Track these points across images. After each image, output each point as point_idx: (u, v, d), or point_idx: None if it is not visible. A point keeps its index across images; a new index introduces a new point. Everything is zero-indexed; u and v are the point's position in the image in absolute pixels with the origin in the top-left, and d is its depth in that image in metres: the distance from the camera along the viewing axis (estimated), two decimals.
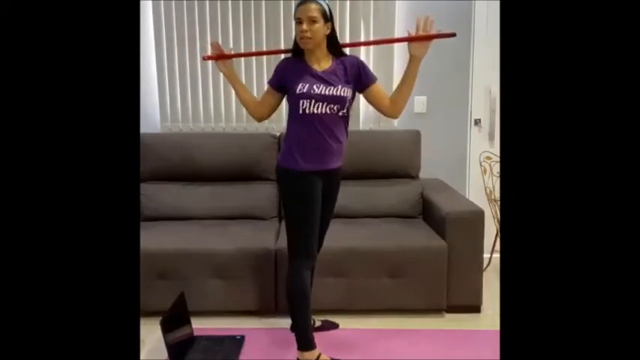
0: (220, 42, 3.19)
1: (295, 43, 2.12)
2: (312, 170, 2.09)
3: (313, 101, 2.05)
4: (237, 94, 2.27)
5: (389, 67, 3.24)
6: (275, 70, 2.19)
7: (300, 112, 2.06)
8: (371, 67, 3.23)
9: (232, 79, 2.26)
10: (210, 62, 3.23)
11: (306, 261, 2.14)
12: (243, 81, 3.24)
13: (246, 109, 2.27)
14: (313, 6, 2.01)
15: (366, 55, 3.24)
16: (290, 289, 2.13)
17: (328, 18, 2.06)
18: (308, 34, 2.02)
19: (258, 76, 3.25)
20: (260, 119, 2.26)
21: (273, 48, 3.21)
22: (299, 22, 2.03)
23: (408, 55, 2.09)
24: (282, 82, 2.14)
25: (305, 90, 2.05)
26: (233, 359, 2.24)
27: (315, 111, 2.06)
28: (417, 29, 2.03)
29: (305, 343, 2.14)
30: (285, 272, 2.26)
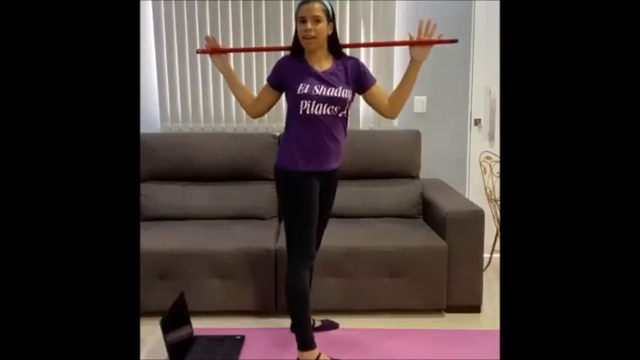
0: (220, 42, 3.22)
1: (295, 41, 2.10)
2: (310, 171, 2.08)
3: (314, 102, 2.03)
4: (232, 89, 2.22)
5: (389, 68, 3.24)
6: (274, 68, 2.14)
7: (301, 112, 2.04)
8: (371, 68, 3.24)
9: (227, 74, 2.20)
10: (210, 60, 3.23)
11: (305, 261, 2.14)
12: (243, 78, 3.25)
13: (241, 105, 2.22)
14: (317, 5, 1.99)
15: (365, 56, 3.24)
16: (289, 289, 2.13)
17: (331, 18, 2.05)
18: (312, 34, 1.99)
19: (258, 73, 3.25)
20: (255, 116, 2.24)
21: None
22: (302, 20, 2.00)
23: (408, 57, 2.08)
24: (282, 81, 2.11)
25: (306, 90, 2.02)
26: (233, 359, 2.24)
27: (316, 112, 2.04)
28: (419, 33, 2.03)
29: (305, 342, 2.14)
30: (285, 272, 2.26)
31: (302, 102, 2.03)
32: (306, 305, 2.13)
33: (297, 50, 2.11)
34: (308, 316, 2.16)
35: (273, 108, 2.25)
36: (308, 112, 2.04)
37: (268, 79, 2.16)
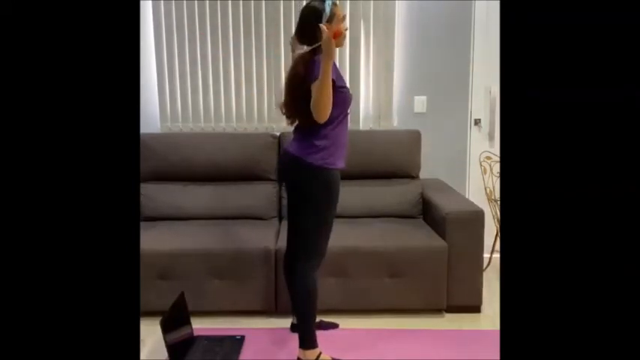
0: (220, 42, 3.23)
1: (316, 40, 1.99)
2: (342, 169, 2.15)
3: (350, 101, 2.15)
4: (327, 86, 1.89)
5: (389, 69, 3.24)
6: (333, 68, 1.94)
7: (348, 112, 2.11)
8: (370, 68, 3.24)
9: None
10: (210, 59, 3.23)
11: (318, 260, 2.16)
12: (254, 75, 3.25)
13: (327, 106, 1.92)
14: None
15: (366, 57, 3.24)
16: (301, 288, 2.13)
17: None
18: None
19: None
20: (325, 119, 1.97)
21: (273, 49, 3.21)
22: (345, 18, 2.02)
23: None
24: (335, 81, 1.98)
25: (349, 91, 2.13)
26: (233, 359, 2.24)
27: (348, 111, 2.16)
28: None
29: (308, 341, 2.15)
30: (283, 271, 2.27)
31: (351, 102, 2.13)
32: (314, 305, 2.14)
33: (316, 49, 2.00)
34: (314, 315, 2.17)
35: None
36: (348, 112, 2.13)
37: (333, 79, 1.94)
